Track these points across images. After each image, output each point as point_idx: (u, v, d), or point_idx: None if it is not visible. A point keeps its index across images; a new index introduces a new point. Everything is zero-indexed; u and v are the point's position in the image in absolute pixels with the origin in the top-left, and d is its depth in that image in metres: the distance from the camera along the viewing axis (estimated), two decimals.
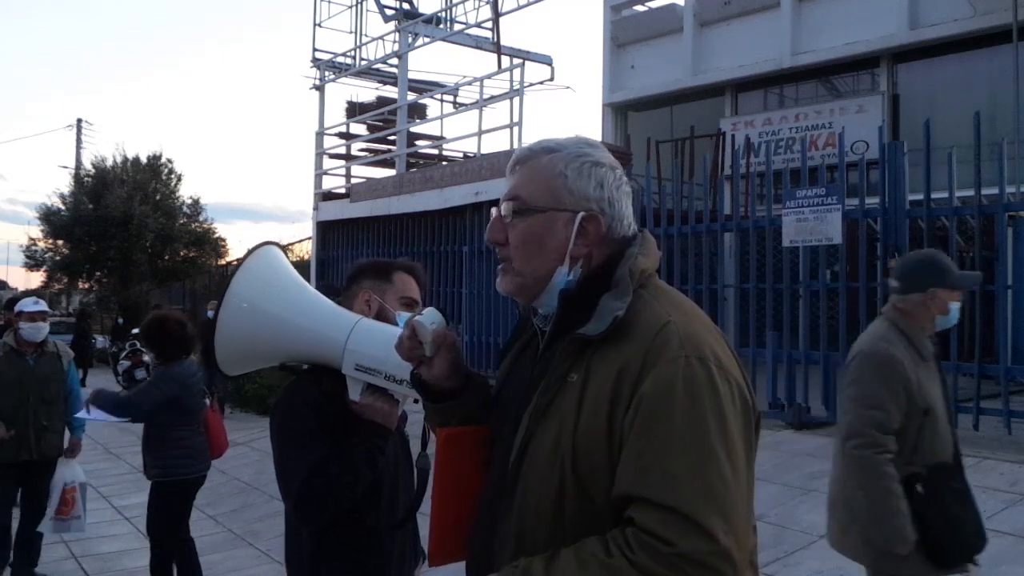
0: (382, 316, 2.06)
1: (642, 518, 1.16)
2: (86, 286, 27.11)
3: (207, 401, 4.82)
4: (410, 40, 13.39)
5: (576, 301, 1.33)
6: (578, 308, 1.32)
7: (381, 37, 13.82)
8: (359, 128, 14.98)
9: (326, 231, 13.57)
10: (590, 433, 1.25)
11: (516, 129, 10.00)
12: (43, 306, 5.13)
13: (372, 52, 14.06)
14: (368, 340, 1.88)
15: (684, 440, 1.19)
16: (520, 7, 12.43)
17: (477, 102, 11.64)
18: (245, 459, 7.80)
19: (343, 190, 13.76)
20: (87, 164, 28.53)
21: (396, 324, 1.98)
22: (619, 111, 16.54)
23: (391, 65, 13.96)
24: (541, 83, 14.10)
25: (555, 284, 1.36)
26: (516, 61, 12.05)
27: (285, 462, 1.92)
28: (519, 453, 1.32)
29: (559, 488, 1.26)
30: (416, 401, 1.85)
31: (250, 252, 1.99)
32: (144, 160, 25.14)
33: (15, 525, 5.09)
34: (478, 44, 13.59)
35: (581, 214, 1.35)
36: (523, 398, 1.36)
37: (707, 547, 1.13)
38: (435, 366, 1.44)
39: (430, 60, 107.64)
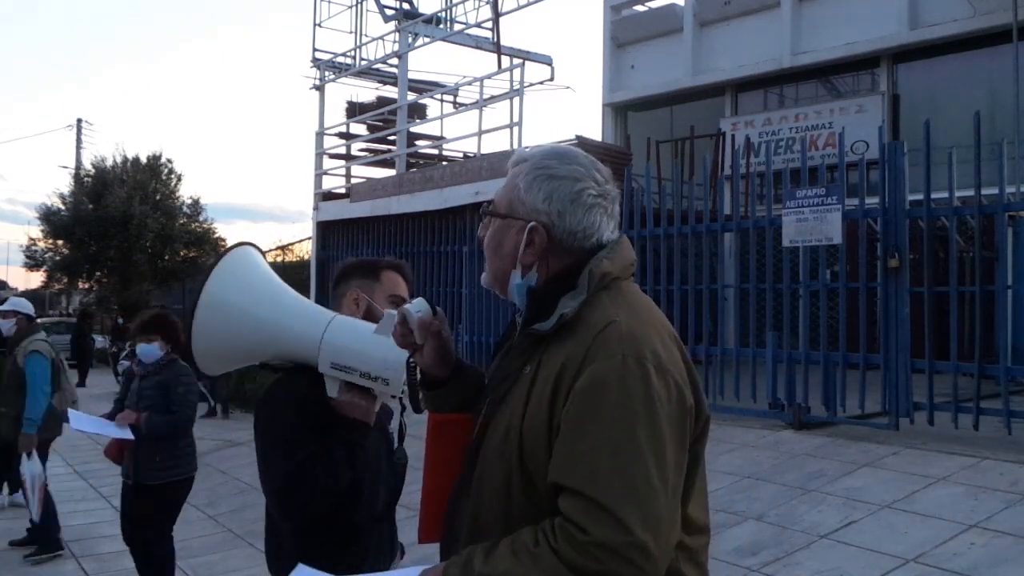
0: (370, 315, 2.05)
1: (566, 506, 1.23)
2: (86, 286, 27.05)
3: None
4: (410, 40, 13.40)
5: (540, 299, 1.42)
6: (542, 306, 1.40)
7: (381, 37, 13.85)
8: (359, 128, 15.00)
9: (326, 231, 13.58)
10: (534, 423, 1.33)
11: (516, 129, 10.01)
12: (9, 306, 5.86)
13: (372, 52, 14.09)
14: (342, 338, 1.88)
15: (611, 435, 1.24)
16: (520, 7, 12.45)
17: (477, 102, 11.64)
18: (245, 459, 7.80)
19: (343, 190, 13.76)
20: (87, 164, 28.52)
21: None
22: (619, 111, 16.54)
23: (391, 65, 13.97)
24: (541, 83, 14.14)
25: (512, 287, 1.47)
26: (516, 61, 12.07)
27: (267, 461, 1.93)
28: (477, 439, 1.42)
29: (507, 474, 1.35)
30: (393, 397, 1.88)
31: (226, 252, 1.99)
32: (144, 160, 25.09)
33: None
34: (478, 44, 13.60)
35: (530, 224, 1.43)
36: (493, 390, 1.47)
37: (621, 537, 1.19)
38: (424, 354, 1.54)
39: (430, 60, 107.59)
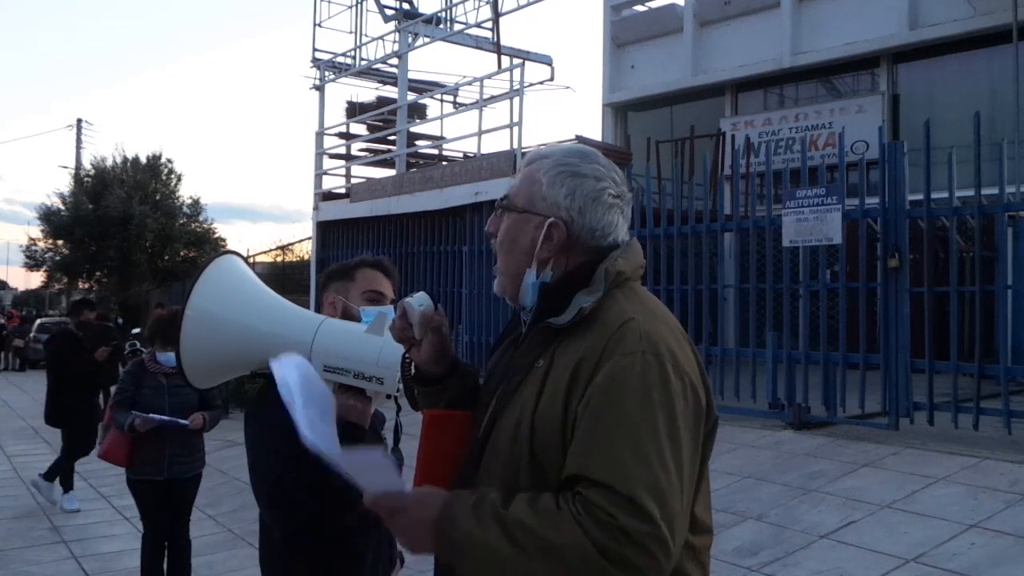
0: (348, 314, 2.04)
1: (588, 493, 1.23)
2: (86, 286, 27.06)
3: None
4: (410, 40, 13.39)
5: (554, 294, 1.41)
6: (555, 302, 1.40)
7: (381, 37, 13.83)
8: (359, 128, 14.98)
9: (326, 231, 13.57)
10: (547, 416, 1.32)
11: (516, 129, 9.99)
12: None
13: (372, 52, 14.07)
14: (333, 340, 1.86)
15: (631, 428, 1.25)
16: (520, 7, 12.43)
17: (477, 102, 11.64)
18: (245, 459, 7.80)
19: (343, 190, 13.76)
20: (87, 164, 28.51)
21: (360, 320, 1.97)
22: (619, 111, 16.54)
23: (391, 65, 13.96)
24: (541, 83, 14.12)
25: (525, 285, 1.46)
26: (516, 61, 12.05)
27: (257, 466, 1.93)
28: (485, 431, 1.42)
29: (515, 467, 1.34)
30: (388, 397, 1.88)
31: (207, 264, 1.96)
32: (144, 160, 25.11)
33: None
34: (478, 44, 13.59)
35: (550, 219, 1.42)
36: (499, 384, 1.46)
37: (644, 527, 1.19)
38: (422, 349, 1.53)
39: (430, 60, 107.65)
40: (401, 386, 1.78)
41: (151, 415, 4.41)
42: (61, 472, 7.05)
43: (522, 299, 1.48)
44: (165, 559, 4.60)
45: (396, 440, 1.91)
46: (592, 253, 1.43)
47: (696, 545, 1.38)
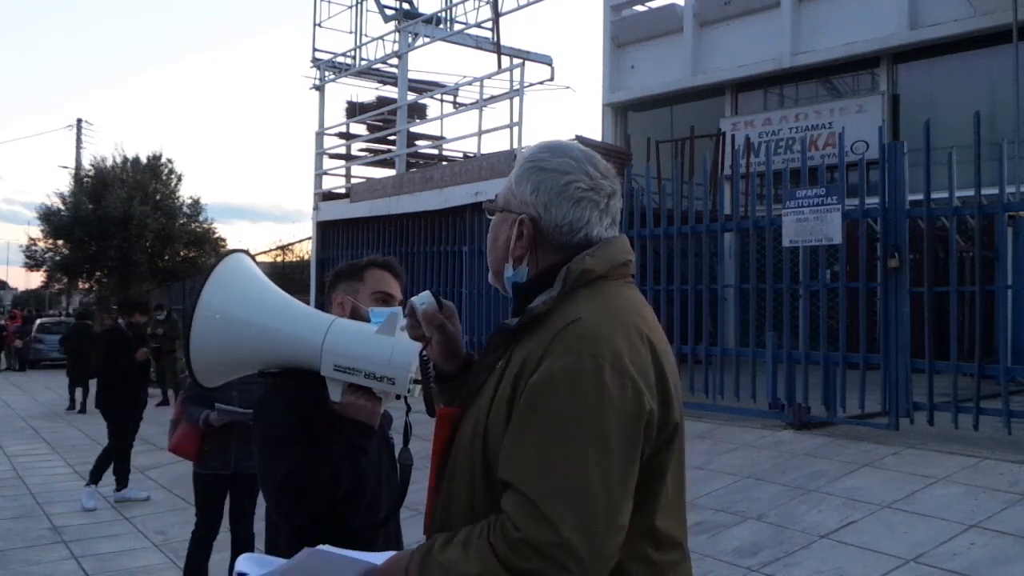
0: (356, 315, 2.05)
1: (505, 501, 1.22)
2: (86, 286, 27.04)
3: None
4: (410, 40, 13.39)
5: (524, 294, 1.43)
6: (527, 302, 1.41)
7: (381, 37, 13.83)
8: (359, 128, 14.98)
9: (326, 231, 13.57)
10: (497, 419, 1.31)
11: (516, 129, 10.00)
12: None
13: (372, 52, 14.07)
14: (344, 339, 1.86)
15: (553, 431, 1.21)
16: (520, 7, 12.43)
17: (477, 102, 11.64)
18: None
19: (343, 190, 13.76)
20: (87, 164, 28.48)
21: (370, 321, 1.98)
22: (619, 111, 16.54)
23: (391, 65, 13.96)
24: (541, 83, 14.12)
25: (505, 280, 1.48)
26: (516, 61, 12.05)
27: (265, 463, 1.93)
28: (452, 431, 1.43)
29: (472, 468, 1.34)
30: (398, 397, 1.88)
31: (217, 262, 1.95)
32: (144, 160, 25.07)
33: None
34: (478, 44, 13.59)
35: (520, 216, 1.43)
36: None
37: (548, 538, 1.15)
38: (432, 347, 1.57)
39: (430, 60, 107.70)
40: (412, 387, 1.79)
41: (228, 407, 4.43)
42: (103, 466, 7.12)
43: (509, 293, 1.51)
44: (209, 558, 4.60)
45: (406, 440, 1.91)
46: (564, 250, 1.40)
47: (658, 560, 1.32)
